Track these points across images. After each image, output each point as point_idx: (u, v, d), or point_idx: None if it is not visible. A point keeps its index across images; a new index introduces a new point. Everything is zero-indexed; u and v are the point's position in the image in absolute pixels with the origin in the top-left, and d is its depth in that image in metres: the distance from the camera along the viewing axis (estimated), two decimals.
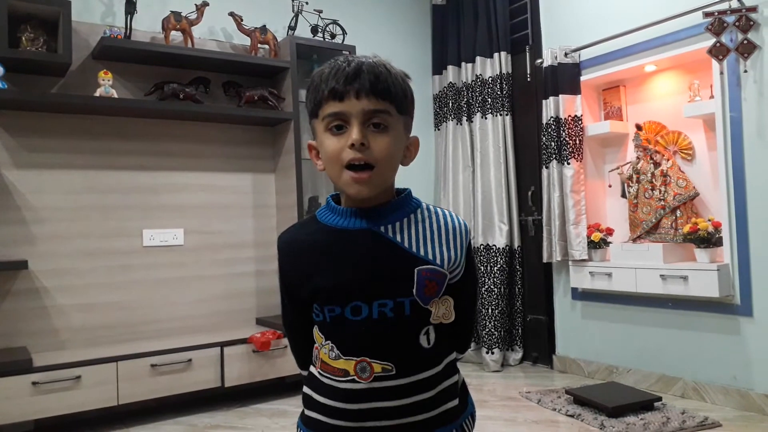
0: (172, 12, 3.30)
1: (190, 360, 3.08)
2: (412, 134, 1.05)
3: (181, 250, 3.48)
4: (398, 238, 0.99)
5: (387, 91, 0.96)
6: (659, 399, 2.93)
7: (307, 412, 1.03)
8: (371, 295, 0.96)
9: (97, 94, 3.09)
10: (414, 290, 0.96)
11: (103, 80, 3.10)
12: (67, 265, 3.15)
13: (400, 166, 1.03)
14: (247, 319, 3.63)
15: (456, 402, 1.03)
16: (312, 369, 1.05)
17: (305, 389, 1.05)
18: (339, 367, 0.98)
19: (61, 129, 3.16)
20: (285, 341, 3.26)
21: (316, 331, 1.03)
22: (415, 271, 0.97)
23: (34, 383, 2.70)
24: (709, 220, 3.01)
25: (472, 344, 4.01)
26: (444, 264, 0.99)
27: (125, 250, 3.31)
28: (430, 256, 0.99)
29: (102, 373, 2.87)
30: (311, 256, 1.01)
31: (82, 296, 3.18)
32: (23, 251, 3.02)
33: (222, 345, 3.17)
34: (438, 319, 0.99)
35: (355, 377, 0.96)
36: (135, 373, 2.94)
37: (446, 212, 1.05)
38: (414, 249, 0.99)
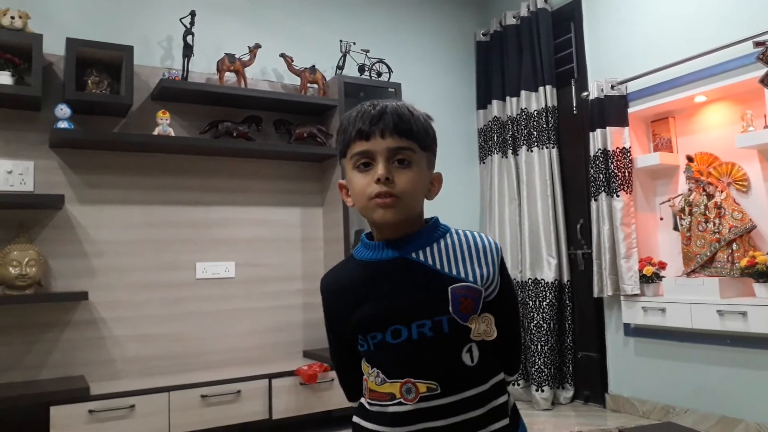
0: (226, 54, 3.46)
1: (239, 391, 3.12)
2: (442, 170, 1.12)
3: (232, 283, 3.56)
4: (429, 261, 1.03)
5: (410, 130, 1.03)
6: None
7: None
8: (409, 318, 0.99)
9: (155, 132, 3.24)
10: (450, 308, 0.99)
11: (161, 120, 3.26)
12: (123, 297, 3.26)
13: (434, 200, 1.10)
14: (294, 352, 3.67)
15: (507, 422, 1.03)
16: (362, 400, 1.07)
17: (354, 419, 1.07)
18: (385, 391, 1.00)
19: (121, 166, 3.32)
20: (332, 374, 3.27)
21: (363, 362, 1.06)
22: (449, 289, 1.00)
23: (90, 411, 2.78)
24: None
25: (521, 381, 3.93)
26: (477, 281, 1.02)
27: (179, 282, 3.42)
28: (463, 275, 1.02)
29: (155, 402, 2.93)
30: (350, 292, 1.06)
31: (137, 327, 3.28)
32: (83, 283, 3.15)
33: (270, 377, 3.21)
34: (479, 336, 1.01)
35: (401, 399, 0.98)
36: (186, 404, 3.00)
37: (475, 233, 1.09)
38: (446, 270, 1.02)
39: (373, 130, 1.02)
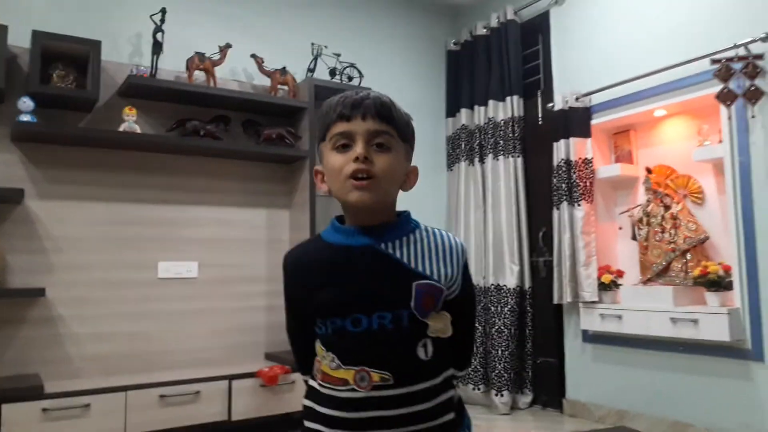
0: (196, 53, 3.45)
1: (198, 392, 3.09)
2: (415, 165, 1.14)
3: (195, 283, 3.53)
4: (398, 255, 1.05)
5: (390, 116, 1.06)
6: None
7: (307, 424, 1.06)
8: (371, 308, 1.01)
9: (121, 129, 3.21)
10: (412, 303, 1.01)
11: (128, 116, 3.23)
12: (83, 295, 3.21)
13: (407, 193, 1.11)
14: (256, 354, 3.65)
15: (453, 415, 1.06)
16: (312, 382, 1.09)
17: (305, 402, 1.09)
18: (339, 376, 1.02)
19: (85, 162, 3.27)
20: (293, 376, 3.27)
21: (317, 344, 1.08)
22: (413, 285, 1.02)
23: (44, 410, 2.73)
24: (720, 264, 3.00)
25: (482, 386, 3.97)
26: (441, 279, 1.05)
27: (140, 281, 3.37)
28: (428, 272, 1.04)
29: (111, 402, 2.89)
30: (315, 272, 1.07)
31: (96, 326, 3.22)
32: (42, 279, 3.09)
33: (230, 378, 3.19)
34: (435, 333, 1.04)
35: (354, 386, 1.00)
36: (144, 403, 2.96)
37: (443, 233, 1.12)
38: (412, 265, 1.04)
39: (355, 113, 1.04)
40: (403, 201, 1.12)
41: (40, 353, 3.08)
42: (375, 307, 1.01)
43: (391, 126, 1.06)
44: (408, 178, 1.12)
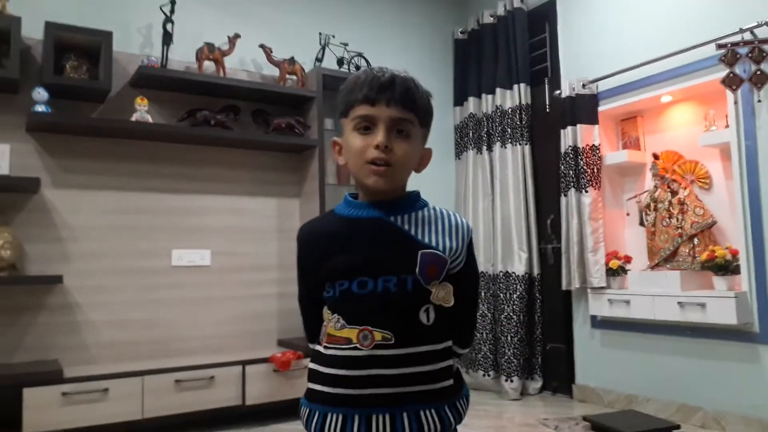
0: (206, 43, 3.49)
1: (212, 377, 3.15)
2: (429, 148, 1.19)
3: (208, 271, 3.59)
4: (405, 227, 1.11)
5: (413, 104, 1.10)
6: (678, 427, 2.92)
7: (311, 386, 1.11)
8: (377, 272, 1.06)
9: (133, 119, 3.26)
10: (417, 269, 1.06)
11: (140, 106, 3.27)
12: (99, 283, 3.27)
13: (416, 182, 1.16)
14: (268, 340, 3.71)
15: (451, 382, 1.10)
16: (318, 347, 1.14)
17: (310, 365, 1.14)
18: (343, 335, 1.06)
19: (99, 152, 3.33)
20: (305, 362, 3.32)
21: (325, 310, 1.12)
22: (419, 253, 1.07)
23: (63, 394, 2.80)
24: (727, 248, 3.03)
25: (491, 372, 4.01)
26: (445, 251, 1.10)
27: (154, 269, 3.43)
28: (433, 243, 1.10)
29: (128, 386, 2.96)
30: (327, 242, 1.13)
31: (112, 313, 3.29)
32: (59, 267, 3.15)
33: (244, 363, 3.25)
34: (438, 301, 1.08)
35: (357, 345, 1.05)
36: (160, 388, 3.03)
37: (450, 212, 1.17)
38: (419, 236, 1.10)
39: (380, 98, 1.07)
40: (418, 184, 1.18)
41: (58, 339, 3.15)
42: (381, 271, 1.06)
43: (414, 114, 1.10)
44: (422, 160, 1.17)
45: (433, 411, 1.05)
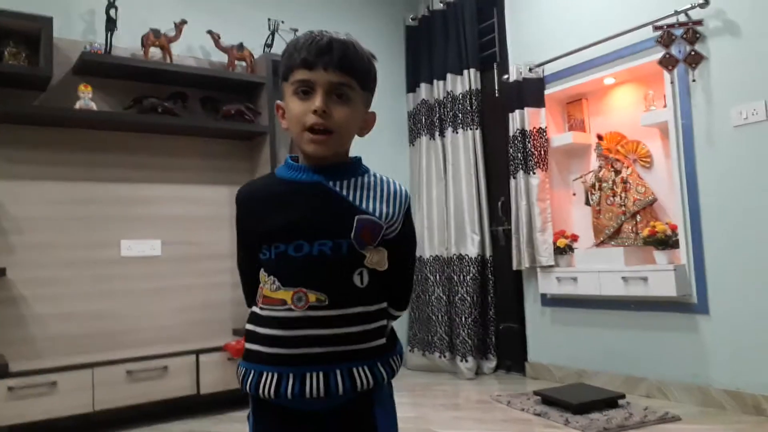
0: (151, 29, 3.43)
1: (165, 367, 3.12)
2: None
3: (158, 261, 3.54)
4: (344, 192, 1.11)
5: (352, 68, 1.09)
6: (623, 396, 3.02)
7: (248, 346, 1.13)
8: (313, 235, 1.07)
9: (76, 107, 3.19)
10: (352, 234, 1.08)
11: (83, 93, 3.20)
12: (45, 275, 3.20)
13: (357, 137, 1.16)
14: (223, 330, 3.68)
15: (383, 340, 1.13)
16: (254, 308, 1.15)
17: (247, 326, 1.15)
18: (278, 297, 1.08)
19: (42, 141, 3.25)
20: None
21: (261, 272, 1.13)
22: (355, 218, 1.09)
23: (9, 388, 2.73)
24: (667, 224, 3.14)
25: (447, 353, 4.08)
26: (382, 217, 1.11)
27: (103, 260, 3.37)
28: (370, 209, 1.11)
29: (78, 379, 2.91)
30: (265, 203, 1.14)
31: (61, 305, 3.22)
32: (2, 260, 3.07)
33: (197, 352, 3.22)
34: (372, 265, 1.10)
35: (291, 306, 1.06)
36: (111, 380, 2.98)
37: (390, 179, 1.18)
38: (356, 202, 1.11)
39: (317, 62, 1.06)
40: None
41: (3, 334, 3.07)
42: (317, 235, 1.07)
43: (353, 77, 1.09)
44: (365, 123, 1.17)
45: (365, 367, 1.08)
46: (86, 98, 3.21)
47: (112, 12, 3.29)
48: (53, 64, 3.11)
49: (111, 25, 3.30)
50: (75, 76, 3.32)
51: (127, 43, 3.47)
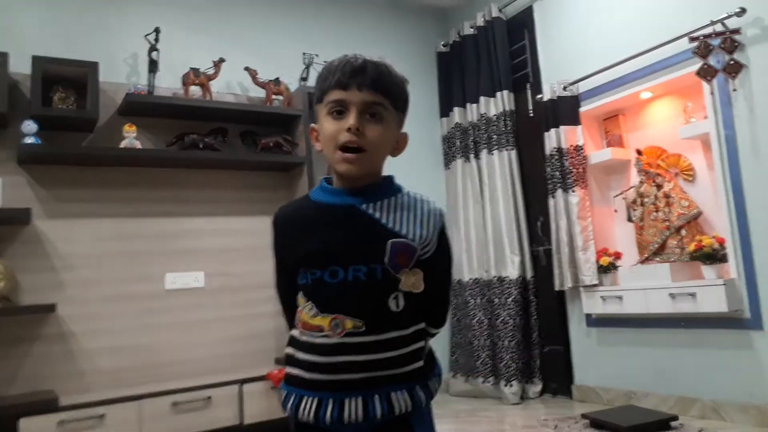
0: (191, 69, 3.56)
1: (209, 398, 3.15)
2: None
3: (202, 293, 3.61)
4: (377, 215, 1.12)
5: (385, 88, 1.13)
6: (676, 418, 2.90)
7: (288, 369, 1.14)
8: (347, 261, 1.09)
9: (122, 146, 3.31)
10: (386, 259, 1.08)
11: (128, 133, 3.33)
12: (93, 310, 3.28)
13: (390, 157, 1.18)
14: (266, 359, 3.69)
15: (421, 363, 1.13)
16: (294, 331, 1.16)
17: (287, 350, 1.16)
18: (316, 323, 1.09)
19: (89, 180, 3.37)
20: None
21: (299, 295, 1.15)
22: (389, 243, 1.09)
23: (60, 422, 2.79)
24: (713, 237, 3.04)
25: (491, 378, 4.00)
26: (416, 240, 1.11)
27: (149, 294, 3.45)
28: (404, 232, 1.11)
29: (125, 411, 2.95)
30: (300, 227, 1.16)
31: (108, 339, 3.30)
32: (52, 297, 3.16)
33: (241, 382, 3.24)
34: (407, 288, 1.10)
35: (329, 333, 1.07)
36: (157, 412, 3.02)
37: (424, 198, 1.19)
38: (390, 225, 1.11)
39: (351, 82, 1.09)
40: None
41: (53, 369, 3.15)
42: (351, 260, 1.08)
43: (386, 97, 1.12)
44: (398, 143, 1.19)
45: (404, 391, 1.08)
46: (131, 137, 3.33)
47: (154, 54, 3.43)
48: (99, 107, 3.24)
49: (153, 66, 3.44)
50: (120, 117, 3.45)
51: (168, 83, 3.60)
